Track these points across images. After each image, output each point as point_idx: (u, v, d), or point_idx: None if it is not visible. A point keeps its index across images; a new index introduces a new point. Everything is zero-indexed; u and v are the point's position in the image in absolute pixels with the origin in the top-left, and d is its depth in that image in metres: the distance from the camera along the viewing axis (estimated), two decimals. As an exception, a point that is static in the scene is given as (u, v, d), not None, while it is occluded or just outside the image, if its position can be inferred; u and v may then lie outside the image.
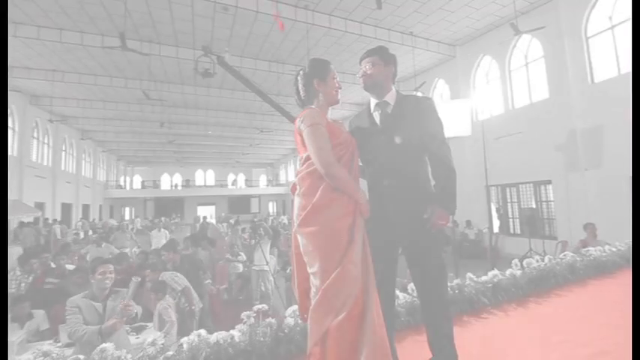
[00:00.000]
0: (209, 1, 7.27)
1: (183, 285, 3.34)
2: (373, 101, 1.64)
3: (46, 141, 15.68)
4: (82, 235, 12.81)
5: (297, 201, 1.41)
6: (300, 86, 1.52)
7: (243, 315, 1.72)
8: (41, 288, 3.59)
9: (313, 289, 1.30)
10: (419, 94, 11.45)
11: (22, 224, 10.78)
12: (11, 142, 12.67)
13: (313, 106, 1.50)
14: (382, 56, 1.61)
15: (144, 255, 5.06)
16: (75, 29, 8.68)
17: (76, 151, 19.13)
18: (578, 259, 3.04)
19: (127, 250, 8.18)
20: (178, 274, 3.45)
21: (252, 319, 1.72)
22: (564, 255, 3.06)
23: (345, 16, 8.70)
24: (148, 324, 3.34)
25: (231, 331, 1.68)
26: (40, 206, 14.09)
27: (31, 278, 3.74)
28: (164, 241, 7.75)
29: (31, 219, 11.80)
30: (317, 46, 9.97)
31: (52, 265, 4.14)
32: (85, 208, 20.35)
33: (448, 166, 1.51)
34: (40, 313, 3.32)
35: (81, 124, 17.11)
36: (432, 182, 1.55)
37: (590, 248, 3.26)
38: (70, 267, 4.24)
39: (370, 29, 9.18)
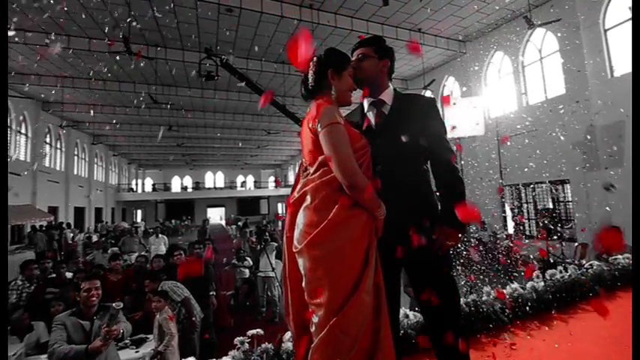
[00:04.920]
0: (213, 3, 7.20)
1: (183, 296, 3.23)
2: (367, 100, 1.44)
3: (58, 146, 15.97)
4: (94, 238, 12.95)
5: (303, 216, 1.14)
6: (311, 74, 1.26)
7: (237, 341, 1.58)
8: (42, 298, 3.51)
9: (314, 324, 1.07)
10: (428, 92, 11.16)
11: (34, 229, 10.95)
12: (24, 147, 12.94)
13: (322, 102, 1.22)
14: (376, 48, 1.41)
15: (143, 258, 4.96)
16: (82, 35, 8.75)
17: (88, 155, 19.45)
18: (605, 268, 2.80)
19: (135, 255, 8.19)
20: (179, 283, 3.34)
21: (247, 345, 1.57)
22: (590, 265, 2.82)
23: (351, 14, 8.52)
24: (148, 336, 3.24)
25: (224, 358, 1.54)
26: (53, 210, 14.36)
27: (33, 288, 3.68)
28: (162, 247, 7.72)
29: (44, 223, 11.99)
30: (323, 45, 9.79)
31: (53, 274, 4.09)
32: (98, 212, 20.70)
33: (455, 175, 1.32)
34: (40, 325, 3.24)
35: (92, 129, 17.38)
36: (435, 191, 1.35)
37: (619, 256, 3.00)
38: (69, 275, 4.19)
39: (377, 27, 8.98)
